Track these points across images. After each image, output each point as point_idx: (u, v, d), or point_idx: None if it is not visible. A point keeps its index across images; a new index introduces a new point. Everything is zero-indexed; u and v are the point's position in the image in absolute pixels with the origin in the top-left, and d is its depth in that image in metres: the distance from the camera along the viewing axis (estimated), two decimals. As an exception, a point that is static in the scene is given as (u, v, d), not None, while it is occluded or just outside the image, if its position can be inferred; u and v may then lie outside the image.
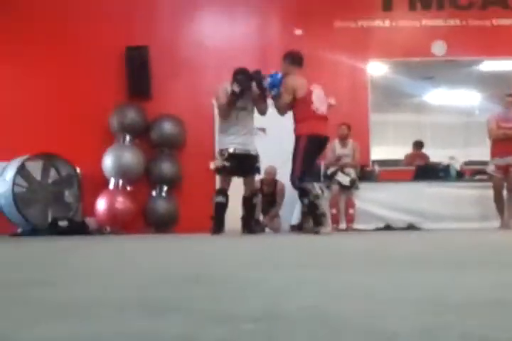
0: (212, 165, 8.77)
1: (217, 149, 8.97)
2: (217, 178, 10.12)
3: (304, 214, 9.19)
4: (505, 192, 10.36)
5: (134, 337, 0.96)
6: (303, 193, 8.29)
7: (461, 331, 0.98)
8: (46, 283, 1.96)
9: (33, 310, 1.28)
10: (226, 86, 8.53)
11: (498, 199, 10.27)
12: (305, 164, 8.28)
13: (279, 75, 8.41)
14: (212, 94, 9.74)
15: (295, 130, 8.41)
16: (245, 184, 8.94)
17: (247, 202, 8.94)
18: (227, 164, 8.60)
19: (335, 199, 10.59)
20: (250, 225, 9.02)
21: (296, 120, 8.40)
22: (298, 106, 8.36)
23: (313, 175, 8.53)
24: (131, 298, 1.47)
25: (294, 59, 8.61)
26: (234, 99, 8.41)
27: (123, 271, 2.51)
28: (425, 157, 12.19)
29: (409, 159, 12.24)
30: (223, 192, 8.67)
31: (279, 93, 8.37)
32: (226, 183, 8.74)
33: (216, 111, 9.57)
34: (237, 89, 8.33)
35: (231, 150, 8.59)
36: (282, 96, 8.38)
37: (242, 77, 8.38)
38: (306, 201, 8.28)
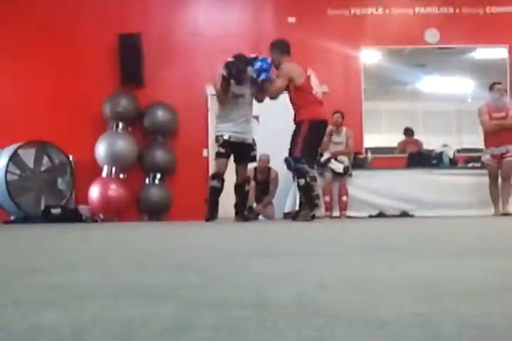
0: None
1: (213, 135, 9.05)
2: (212, 163, 10.18)
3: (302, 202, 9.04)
4: (500, 180, 10.40)
5: (126, 324, 0.96)
6: (300, 174, 8.23)
7: (456, 319, 0.98)
8: (38, 270, 1.96)
9: (25, 297, 1.28)
10: (221, 71, 8.51)
11: (493, 187, 10.31)
12: (305, 147, 8.23)
13: (268, 60, 8.36)
14: (205, 82, 9.75)
15: (296, 116, 8.36)
16: (237, 172, 8.93)
17: (240, 190, 8.91)
18: (221, 150, 8.62)
19: (328, 186, 10.60)
20: (243, 212, 9.00)
21: (297, 107, 8.36)
22: (298, 93, 8.32)
23: (311, 160, 8.46)
24: (123, 285, 1.47)
25: (283, 48, 8.57)
26: (224, 83, 8.39)
27: (115, 258, 2.51)
28: (418, 143, 12.20)
29: (402, 146, 12.26)
30: (219, 176, 8.63)
31: (269, 77, 8.31)
32: (222, 167, 8.68)
33: (210, 98, 9.55)
34: (224, 72, 8.31)
35: (226, 137, 8.59)
36: (276, 81, 8.31)
37: (232, 61, 8.35)
38: (302, 182, 8.18)
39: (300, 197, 8.78)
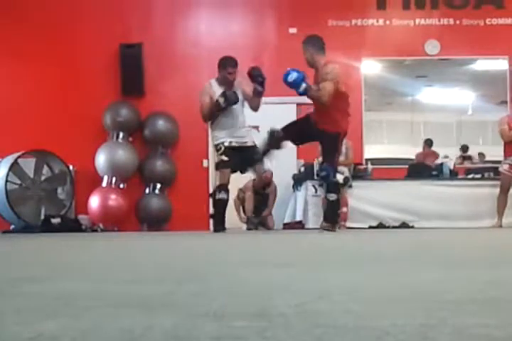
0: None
1: (214, 145, 8.58)
2: (214, 174, 10.12)
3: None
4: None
5: (126, 333, 0.97)
6: (334, 189, 7.97)
7: (453, 329, 0.99)
8: (38, 279, 1.97)
9: (25, 306, 1.28)
10: (211, 86, 8.35)
11: (502, 198, 10.34)
12: (337, 161, 8.08)
13: (299, 71, 7.67)
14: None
15: (334, 125, 7.81)
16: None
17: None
18: (224, 158, 8.28)
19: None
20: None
21: (336, 115, 7.81)
22: (340, 100, 7.78)
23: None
24: (123, 294, 1.48)
25: (320, 45, 7.97)
26: (217, 109, 8.18)
27: (115, 268, 2.51)
28: (435, 155, 12.17)
29: (421, 157, 12.22)
30: (225, 187, 8.30)
31: (309, 87, 7.65)
32: (227, 178, 8.36)
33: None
34: (222, 102, 8.07)
35: (227, 144, 8.28)
36: (325, 85, 7.66)
37: (231, 93, 8.10)
38: (334, 197, 7.94)
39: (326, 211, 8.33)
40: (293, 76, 7.59)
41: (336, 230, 8.05)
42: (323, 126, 7.84)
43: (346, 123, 8.02)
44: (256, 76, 8.19)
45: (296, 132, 8.08)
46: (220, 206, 8.39)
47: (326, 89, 7.63)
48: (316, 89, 7.70)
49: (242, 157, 8.33)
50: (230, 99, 8.08)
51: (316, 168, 10.67)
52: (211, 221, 8.74)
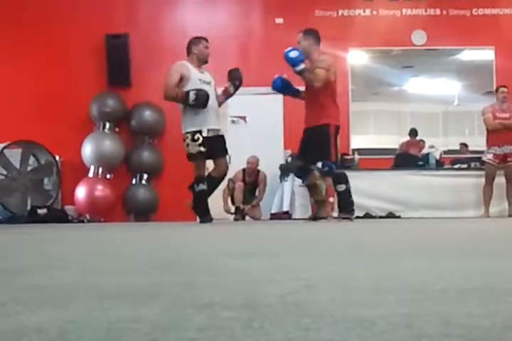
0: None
1: (186, 132, 8.13)
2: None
3: (319, 203, 8.80)
4: (499, 181, 10.43)
5: (112, 325, 0.96)
6: (341, 179, 8.04)
7: (442, 319, 0.99)
8: (23, 270, 1.96)
9: (10, 298, 1.28)
10: (186, 67, 8.08)
11: (487, 188, 10.38)
12: (335, 153, 8.01)
13: (300, 51, 7.74)
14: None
15: (321, 117, 7.89)
16: (217, 166, 8.36)
17: (213, 182, 8.33)
18: (203, 149, 8.01)
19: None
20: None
21: (324, 105, 7.89)
22: (330, 90, 7.89)
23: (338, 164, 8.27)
24: (109, 285, 1.47)
25: (318, 38, 8.14)
26: (181, 101, 7.97)
27: (101, 259, 2.51)
28: (420, 145, 12.18)
29: (405, 147, 12.24)
30: (203, 179, 8.13)
31: (306, 68, 7.73)
32: (203, 169, 8.21)
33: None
34: (191, 101, 7.82)
35: (204, 134, 7.98)
36: (321, 72, 7.78)
37: (204, 94, 7.85)
38: (343, 187, 8.04)
39: (312, 198, 8.50)
40: (295, 53, 7.65)
41: (353, 219, 8.14)
42: (313, 123, 7.93)
43: (336, 115, 8.03)
44: (235, 78, 8.12)
45: (307, 151, 8.10)
46: (203, 197, 8.20)
47: (320, 74, 7.76)
48: (312, 73, 7.79)
49: (215, 147, 8.09)
50: (200, 101, 7.82)
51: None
52: (195, 213, 8.58)
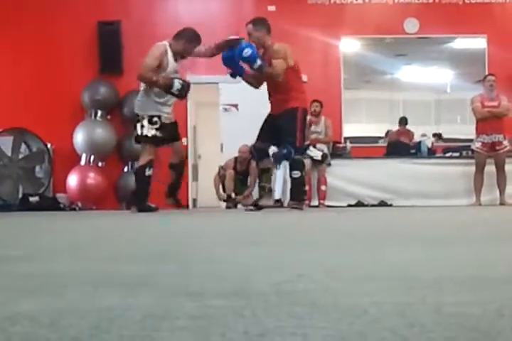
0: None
1: (143, 114, 7.90)
2: (191, 151, 10.05)
3: (264, 190, 8.60)
4: (490, 170, 10.45)
5: (105, 312, 0.96)
6: (297, 166, 7.81)
7: (432, 307, 0.99)
8: (16, 258, 1.96)
9: (2, 286, 1.28)
10: (166, 53, 7.87)
11: (478, 176, 10.39)
12: (302, 138, 7.90)
13: (252, 46, 7.54)
14: (185, 71, 9.57)
15: (287, 101, 7.73)
16: (175, 151, 8.26)
17: (180, 169, 8.31)
18: (159, 135, 7.80)
19: (307, 175, 10.60)
20: (177, 195, 8.44)
21: (288, 91, 7.74)
22: (290, 75, 7.72)
23: (304, 152, 8.19)
24: (102, 274, 1.47)
25: (269, 27, 7.96)
26: (163, 89, 7.76)
27: (94, 247, 2.50)
28: (410, 134, 12.16)
29: (395, 136, 12.22)
30: (153, 163, 7.93)
31: (264, 62, 7.54)
32: (154, 154, 8.02)
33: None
34: (176, 91, 7.67)
35: (163, 120, 7.83)
36: (279, 63, 7.65)
37: (187, 85, 7.74)
38: (298, 174, 7.78)
39: (292, 188, 8.35)
40: (248, 51, 7.39)
41: (303, 208, 8.02)
42: (280, 109, 7.76)
43: (303, 98, 7.91)
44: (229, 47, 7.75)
45: (269, 135, 7.88)
46: (148, 183, 8.01)
47: (278, 66, 7.63)
48: (270, 67, 7.64)
49: (171, 133, 7.99)
50: (183, 91, 7.72)
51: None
52: (133, 199, 8.38)
